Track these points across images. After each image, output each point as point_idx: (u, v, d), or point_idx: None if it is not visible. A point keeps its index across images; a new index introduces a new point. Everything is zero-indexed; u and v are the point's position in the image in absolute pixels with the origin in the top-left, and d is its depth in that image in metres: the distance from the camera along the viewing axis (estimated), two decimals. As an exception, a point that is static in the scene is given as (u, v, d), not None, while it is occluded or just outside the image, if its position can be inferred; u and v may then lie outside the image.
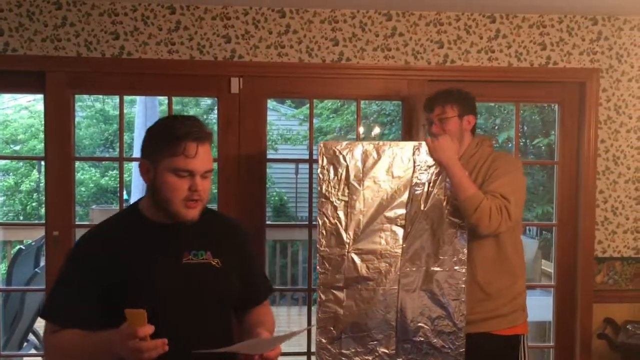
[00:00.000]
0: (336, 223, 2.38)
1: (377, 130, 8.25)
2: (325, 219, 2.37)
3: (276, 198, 9.50)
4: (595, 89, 2.96)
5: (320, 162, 2.40)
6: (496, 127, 7.45)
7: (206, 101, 9.81)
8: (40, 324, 3.76)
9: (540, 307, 3.69)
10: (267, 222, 3.08)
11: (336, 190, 2.39)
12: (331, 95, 3.25)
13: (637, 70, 2.98)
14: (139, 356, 1.44)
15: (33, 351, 4.08)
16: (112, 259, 1.64)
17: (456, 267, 2.32)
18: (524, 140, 7.16)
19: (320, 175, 2.39)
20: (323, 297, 2.36)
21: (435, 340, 2.33)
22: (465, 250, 2.32)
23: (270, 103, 3.03)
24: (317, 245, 2.38)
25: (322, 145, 2.43)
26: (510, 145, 7.32)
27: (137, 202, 1.77)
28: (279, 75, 2.88)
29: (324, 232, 2.38)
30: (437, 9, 2.87)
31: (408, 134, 2.93)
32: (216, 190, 2.95)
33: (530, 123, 7.44)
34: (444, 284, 2.32)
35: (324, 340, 2.36)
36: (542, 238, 6.53)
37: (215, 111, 10.07)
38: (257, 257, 1.99)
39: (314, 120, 3.00)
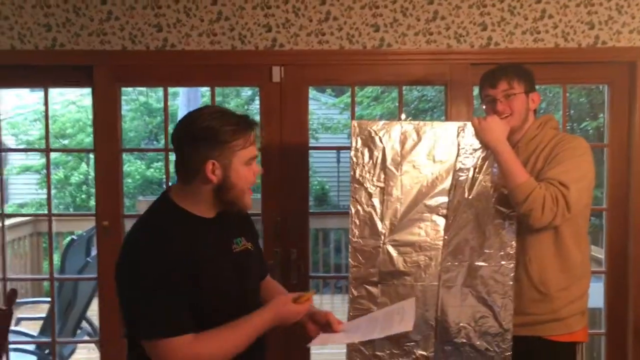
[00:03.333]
0: (370, 211, 2.16)
1: (403, 117, 8.23)
2: (359, 206, 2.16)
3: (318, 187, 9.53)
4: (647, 68, 2.85)
5: (353, 143, 2.16)
6: (542, 111, 7.29)
7: (247, 92, 9.90)
8: (92, 311, 3.87)
9: (591, 293, 3.60)
10: (310, 211, 3.09)
11: (371, 175, 2.16)
12: (372, 81, 3.23)
13: (692, 48, 2.86)
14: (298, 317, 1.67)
15: (86, 337, 4.22)
16: (181, 258, 1.57)
17: (503, 262, 2.09)
18: (571, 124, 6.98)
19: (354, 159, 2.16)
20: (355, 293, 2.15)
21: (478, 343, 2.10)
22: (514, 244, 2.09)
23: (311, 92, 3.02)
24: (350, 236, 2.18)
25: (355, 124, 2.19)
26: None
27: (169, 199, 1.68)
28: (320, 63, 2.87)
29: (356, 221, 2.16)
30: (480, -10, 2.82)
31: (451, 120, 2.89)
32: (259, 180, 2.98)
33: (577, 106, 7.24)
34: (489, 281, 2.09)
35: (356, 341, 2.10)
36: (591, 224, 6.36)
37: (256, 101, 10.17)
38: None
39: (356, 109, 2.97)
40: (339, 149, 7.24)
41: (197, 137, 1.61)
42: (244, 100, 9.86)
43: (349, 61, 2.87)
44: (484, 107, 2.26)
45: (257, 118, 2.85)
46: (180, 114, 7.40)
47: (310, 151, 2.98)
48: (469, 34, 2.85)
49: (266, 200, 2.93)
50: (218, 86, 3.21)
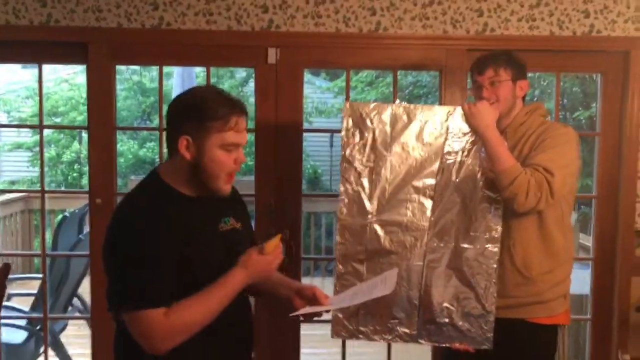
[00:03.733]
0: (359, 190, 2.20)
1: (397, 101, 8.23)
2: (348, 185, 2.20)
3: (310, 171, 9.54)
4: (640, 58, 2.87)
5: (344, 124, 2.21)
6: (535, 99, 7.30)
7: (241, 73, 9.85)
8: (83, 289, 3.89)
9: (577, 280, 3.65)
10: (304, 191, 3.10)
11: (361, 155, 2.20)
12: (368, 65, 3.23)
13: (685, 39, 2.88)
14: (271, 267, 1.65)
15: (77, 314, 4.24)
16: (167, 232, 1.59)
17: (488, 245, 2.11)
18: (563, 113, 7.00)
19: (345, 139, 2.20)
20: (342, 269, 2.19)
21: (461, 323, 2.13)
22: (500, 228, 2.11)
23: (305, 76, 3.02)
24: (338, 214, 2.23)
25: (347, 105, 2.23)
26: (548, 118, 7.18)
27: (157, 176, 1.70)
28: (316, 45, 2.87)
29: (345, 199, 2.20)
30: (477, -24, 2.82)
31: (446, 104, 2.90)
32: (252, 162, 2.99)
33: (570, 95, 7.27)
34: (473, 263, 2.12)
35: (340, 315, 2.18)
36: (581, 212, 6.42)
37: (250, 83, 10.11)
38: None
39: (350, 94, 2.98)
40: (332, 131, 7.30)
41: (179, 112, 1.64)
42: (238, 81, 9.82)
43: (345, 44, 2.87)
44: (469, 92, 2.31)
45: (252, 100, 2.85)
46: (174, 94, 7.33)
47: (303, 135, 2.98)
48: (465, 20, 2.86)
49: (260, 182, 2.95)
50: (213, 66, 3.20)
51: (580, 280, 3.53)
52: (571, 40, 2.87)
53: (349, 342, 3.08)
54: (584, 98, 7.19)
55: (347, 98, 3.04)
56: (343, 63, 2.96)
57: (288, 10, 2.83)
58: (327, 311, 1.78)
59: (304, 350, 3.08)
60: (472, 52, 2.81)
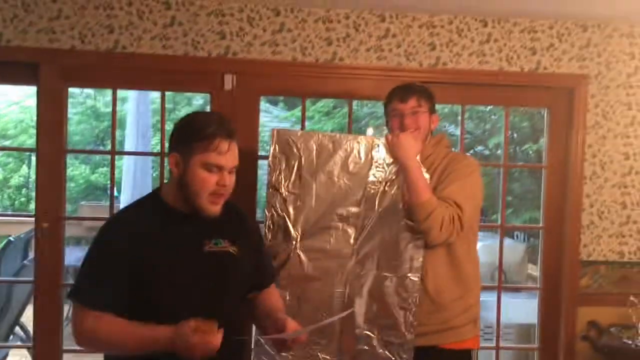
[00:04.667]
0: (284, 216, 2.21)
1: (370, 131, 8.31)
2: (274, 211, 2.22)
3: (264, 200, 9.52)
4: (584, 94, 3.00)
5: (271, 150, 2.24)
6: (486, 133, 7.53)
7: (198, 100, 9.81)
8: (26, 318, 3.75)
9: (525, 309, 3.74)
10: (259, 219, 3.08)
11: (287, 181, 2.23)
12: (324, 94, 3.27)
13: (625, 77, 3.03)
14: (193, 352, 1.57)
15: (19, 343, 4.07)
16: (137, 245, 1.70)
17: (409, 274, 2.14)
18: (513, 146, 7.22)
19: (271, 165, 2.24)
20: None
21: (381, 351, 2.15)
22: (421, 258, 2.15)
23: (263, 105, 3.04)
24: (265, 240, 2.20)
25: (275, 132, 2.26)
26: (499, 151, 7.39)
27: (157, 190, 1.86)
28: (273, 73, 2.89)
29: (271, 225, 2.22)
30: (430, 12, 2.90)
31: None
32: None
33: (520, 129, 7.52)
34: (395, 292, 2.14)
35: (261, 340, 2.14)
36: (530, 244, 6.59)
37: (207, 110, 9.99)
38: (263, 242, 2.06)
39: (306, 124, 3.01)
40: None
41: (173, 131, 1.78)
42: (194, 108, 9.77)
43: (301, 73, 2.90)
44: (387, 121, 2.33)
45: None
46: (129, 119, 7.26)
47: (259, 162, 2.98)
48: (418, 53, 2.93)
49: (213, 208, 2.92)
50: (169, 91, 3.18)
51: (529, 310, 3.61)
52: (519, 75, 2.97)
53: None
54: (532, 132, 7.44)
55: (303, 126, 3.06)
56: (299, 91, 2.99)
57: (245, 38, 2.85)
58: (285, 339, 1.79)
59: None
60: (425, 84, 2.87)
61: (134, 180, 6.91)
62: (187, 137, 1.72)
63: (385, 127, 2.39)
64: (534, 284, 3.89)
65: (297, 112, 9.56)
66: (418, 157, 2.17)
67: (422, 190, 2.08)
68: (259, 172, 2.99)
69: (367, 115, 8.92)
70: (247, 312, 1.95)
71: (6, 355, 3.76)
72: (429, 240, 2.11)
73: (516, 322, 3.99)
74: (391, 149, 2.18)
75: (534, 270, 4.38)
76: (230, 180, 1.74)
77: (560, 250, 3.06)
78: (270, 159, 2.25)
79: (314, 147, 2.24)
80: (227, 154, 1.71)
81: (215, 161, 1.69)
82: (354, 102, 3.09)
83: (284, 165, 2.24)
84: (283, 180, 2.24)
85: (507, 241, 3.44)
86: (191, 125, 1.76)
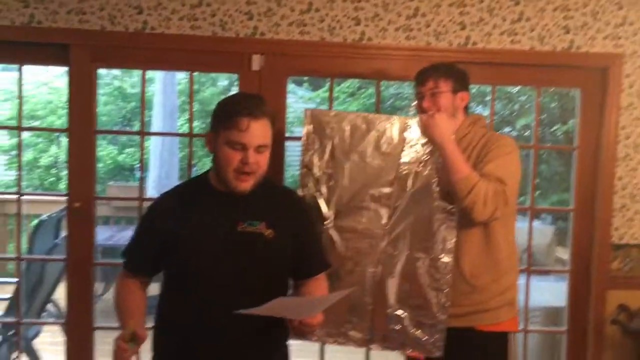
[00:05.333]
0: (317, 196, 2.24)
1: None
2: (306, 191, 2.25)
3: (292, 180, 9.53)
4: (618, 74, 2.93)
5: (305, 130, 2.26)
6: (514, 114, 7.40)
7: (223, 82, 9.84)
8: (58, 295, 3.83)
9: (554, 292, 3.70)
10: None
11: (320, 161, 2.25)
12: (351, 74, 3.24)
13: (662, 57, 2.95)
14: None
15: (52, 320, 4.17)
16: (175, 220, 1.82)
17: (441, 256, 2.15)
18: (541, 128, 7.11)
19: (305, 145, 2.26)
20: None
21: (412, 330, 2.16)
22: (454, 239, 2.14)
23: (288, 86, 3.03)
24: None
25: (308, 112, 2.29)
26: (528, 132, 7.28)
27: (207, 170, 1.94)
28: (300, 53, 2.88)
29: None
30: (461, -10, 2.85)
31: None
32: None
33: (549, 110, 7.38)
34: (427, 273, 2.15)
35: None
36: (558, 227, 6.51)
37: (232, 91, 10.07)
38: (317, 231, 2.08)
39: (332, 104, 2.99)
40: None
41: (214, 110, 1.87)
42: (219, 89, 9.80)
43: (329, 53, 2.88)
44: (415, 101, 2.33)
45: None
46: (156, 100, 7.31)
47: (286, 144, 2.97)
48: (447, 32, 2.89)
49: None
50: (197, 71, 3.19)
51: (557, 293, 3.58)
52: (551, 55, 2.92)
53: (327, 354, 3.06)
54: (561, 113, 7.31)
55: (330, 107, 3.05)
56: (327, 72, 2.97)
57: (273, 18, 2.84)
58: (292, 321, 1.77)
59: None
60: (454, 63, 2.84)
61: (160, 161, 6.97)
62: (216, 117, 1.82)
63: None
64: (562, 267, 3.84)
65: (322, 92, 9.52)
66: (453, 137, 2.15)
67: (461, 166, 2.06)
68: (285, 153, 2.98)
69: (392, 96, 8.85)
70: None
71: (39, 331, 3.86)
72: (473, 217, 2.05)
73: (544, 305, 3.95)
74: (425, 129, 2.16)
75: (562, 253, 4.33)
76: (256, 158, 1.76)
77: (591, 233, 3.02)
78: (303, 139, 2.26)
79: (347, 128, 2.24)
80: (248, 132, 1.74)
81: (237, 138, 1.74)
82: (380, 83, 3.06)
83: (317, 145, 2.25)
84: (316, 160, 2.25)
85: (535, 223, 3.40)
86: (220, 105, 1.86)
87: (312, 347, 2.96)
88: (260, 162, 1.78)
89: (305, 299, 1.78)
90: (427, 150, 2.19)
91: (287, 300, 1.73)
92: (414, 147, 2.21)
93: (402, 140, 2.22)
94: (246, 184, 1.77)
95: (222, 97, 10.47)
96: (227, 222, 1.81)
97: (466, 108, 2.32)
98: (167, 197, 1.95)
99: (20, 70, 2.97)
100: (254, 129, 1.74)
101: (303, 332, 1.78)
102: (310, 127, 2.26)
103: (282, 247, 1.85)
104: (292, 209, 1.94)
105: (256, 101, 1.81)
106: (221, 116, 1.80)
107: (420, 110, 2.23)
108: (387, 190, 2.21)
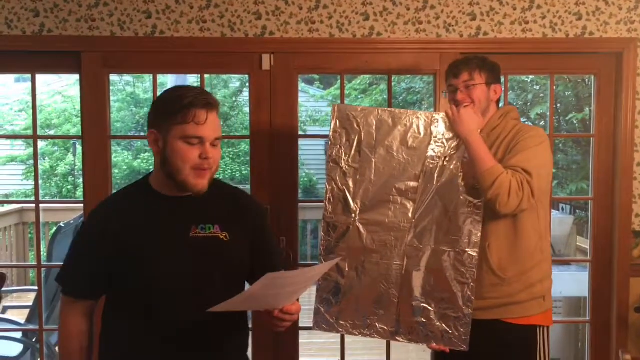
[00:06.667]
0: (344, 190, 2.26)
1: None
2: (334, 184, 2.27)
3: (306, 179, 9.54)
4: (633, 58, 2.88)
5: (332, 125, 2.28)
6: (528, 103, 7.34)
7: (235, 83, 9.87)
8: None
9: (575, 282, 3.67)
10: (300, 198, 3.09)
11: (347, 156, 2.26)
12: (362, 70, 3.22)
13: (677, 39, 2.90)
14: None
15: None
16: (118, 232, 1.67)
17: (467, 249, 2.15)
18: (557, 117, 7.04)
19: (332, 139, 2.27)
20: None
21: (438, 324, 2.17)
22: (479, 233, 2.15)
23: (299, 84, 3.03)
24: (323, 212, 2.28)
25: (335, 107, 2.30)
26: (542, 122, 7.21)
27: (147, 175, 1.79)
28: (310, 51, 2.87)
29: (331, 198, 2.27)
30: (470, -20, 2.83)
31: (440, 109, 2.91)
32: (247, 171, 2.97)
33: (564, 99, 7.31)
34: (452, 266, 2.16)
35: (322, 309, 2.25)
36: (577, 216, 6.44)
37: (244, 92, 10.09)
38: (271, 230, 1.96)
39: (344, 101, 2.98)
40: (328, 137, 7.38)
41: (151, 109, 1.72)
42: (231, 91, 9.83)
43: (339, 49, 2.87)
44: (445, 95, 2.34)
45: (246, 109, 2.84)
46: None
47: (299, 143, 2.97)
48: (458, 24, 2.87)
49: (255, 189, 2.93)
50: (207, 73, 3.20)
51: (579, 283, 3.54)
52: (564, 42, 2.88)
53: (348, 350, 3.06)
54: (576, 102, 7.23)
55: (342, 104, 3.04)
56: (337, 68, 2.96)
57: (282, 17, 2.84)
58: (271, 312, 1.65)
59: (302, 359, 3.06)
60: (465, 55, 2.80)
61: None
62: (164, 111, 1.65)
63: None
64: (583, 257, 3.80)
65: (334, 90, 9.52)
66: (479, 131, 2.15)
67: (485, 159, 2.06)
68: (299, 152, 2.98)
69: (404, 91, 8.82)
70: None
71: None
72: (498, 209, 2.04)
73: (566, 295, 3.92)
74: (452, 123, 2.17)
75: (583, 243, 4.28)
76: (213, 153, 1.65)
77: (611, 221, 2.98)
78: (331, 133, 2.29)
79: (374, 122, 2.26)
80: (207, 125, 1.63)
81: (194, 132, 1.61)
82: (393, 77, 3.04)
83: (344, 140, 2.28)
84: (343, 154, 2.27)
85: (554, 213, 3.37)
86: (167, 99, 1.68)
87: (334, 344, 2.96)
88: (216, 156, 1.67)
89: (297, 271, 1.61)
90: (454, 145, 2.20)
91: (278, 275, 1.51)
92: (441, 142, 2.22)
93: (429, 135, 2.23)
94: (204, 181, 1.65)
95: (234, 98, 10.49)
96: (180, 229, 1.69)
97: (498, 101, 2.31)
98: (106, 210, 1.74)
99: (33, 79, 2.99)
100: (210, 121, 1.64)
101: (283, 323, 1.66)
102: (337, 122, 2.28)
103: (238, 249, 1.76)
104: (244, 209, 1.82)
105: (205, 92, 1.69)
106: (171, 110, 1.63)
107: (454, 103, 2.22)
108: (413, 184, 2.23)
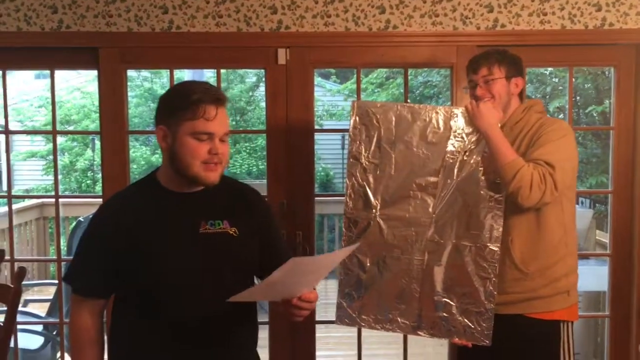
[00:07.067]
0: (365, 185, 2.27)
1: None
2: (354, 180, 2.28)
3: (322, 174, 9.54)
4: (654, 50, 2.84)
5: (352, 121, 2.29)
6: (547, 96, 7.26)
7: (251, 78, 9.89)
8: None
9: (594, 277, 3.63)
10: (316, 192, 3.10)
11: (367, 152, 2.27)
12: (378, 64, 3.21)
13: (699, 30, 2.85)
14: None
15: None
16: (129, 226, 1.66)
17: (489, 244, 2.15)
18: (576, 110, 6.96)
19: (352, 135, 2.29)
20: (346, 259, 2.25)
21: (460, 319, 2.17)
22: (500, 228, 2.14)
23: (315, 79, 3.03)
24: (345, 207, 2.29)
25: (355, 104, 2.31)
26: (561, 115, 7.13)
27: (155, 171, 1.78)
28: (326, 45, 2.87)
29: (352, 194, 2.28)
30: (487, -28, 2.80)
31: (456, 103, 2.89)
32: (263, 166, 2.98)
33: (583, 91, 7.22)
34: (474, 261, 2.16)
35: (344, 304, 2.28)
36: (596, 210, 6.37)
37: (261, 87, 10.12)
38: (278, 224, 1.96)
39: (361, 95, 2.97)
40: (344, 131, 7.35)
41: (158, 105, 1.71)
42: (248, 86, 9.85)
43: (355, 43, 2.86)
44: (465, 91, 2.33)
45: (262, 104, 2.84)
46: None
47: (315, 137, 2.97)
48: (475, 16, 2.84)
49: (271, 183, 2.94)
50: (223, 68, 3.21)
51: (598, 277, 3.50)
52: (583, 33, 2.84)
53: (364, 344, 3.07)
54: (596, 94, 7.14)
55: (358, 98, 3.04)
56: (353, 62, 2.95)
57: (297, 11, 2.83)
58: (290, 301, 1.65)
59: (319, 353, 3.06)
60: (482, 48, 2.78)
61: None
62: (173, 107, 1.65)
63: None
64: (602, 250, 3.76)
65: (350, 84, 9.49)
66: (499, 125, 2.14)
67: (506, 153, 2.05)
68: (315, 146, 2.98)
69: (421, 85, 8.77)
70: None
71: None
72: (520, 202, 2.03)
73: (585, 290, 3.88)
74: (472, 118, 2.16)
75: (602, 237, 4.23)
76: (222, 148, 1.65)
77: (631, 214, 2.94)
78: (350, 129, 2.30)
79: (393, 118, 2.26)
80: (216, 120, 1.63)
81: (204, 128, 1.61)
82: (409, 71, 3.02)
83: (364, 136, 2.28)
84: (363, 150, 2.28)
85: (573, 207, 3.33)
86: (176, 95, 1.68)
87: (351, 338, 2.97)
88: (226, 151, 1.68)
89: (320, 256, 1.61)
90: (473, 139, 2.19)
91: (301, 261, 1.50)
92: (460, 136, 2.21)
93: (448, 130, 2.22)
94: (215, 174, 1.65)
95: (251, 93, 10.51)
96: (189, 225, 1.69)
97: (522, 93, 2.29)
98: (114, 207, 1.73)
99: (52, 75, 3.02)
100: (220, 116, 1.64)
101: (302, 311, 1.64)
102: (357, 118, 2.29)
103: (247, 244, 1.76)
104: (252, 205, 1.82)
105: (214, 88, 1.68)
106: (180, 106, 1.63)
107: (474, 98, 2.22)
108: (433, 179, 2.23)
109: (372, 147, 2.27)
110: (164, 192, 1.71)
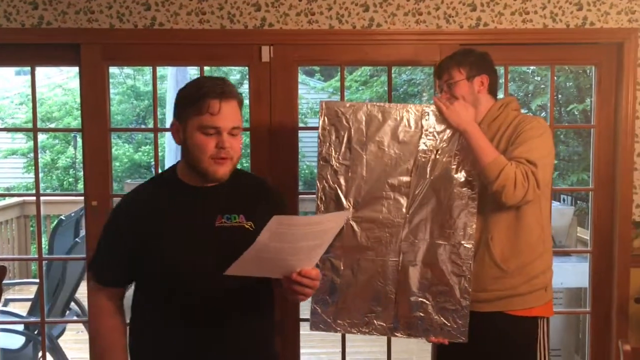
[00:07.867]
0: (336, 188, 2.23)
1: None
2: (325, 183, 2.23)
3: (307, 171, 9.54)
4: (634, 49, 2.87)
5: (320, 122, 2.23)
6: (529, 94, 7.32)
7: (235, 75, 9.85)
8: (80, 293, 3.88)
9: (576, 273, 3.67)
10: (300, 190, 3.09)
11: (337, 153, 2.23)
12: (362, 61, 3.22)
13: (678, 29, 2.89)
14: None
15: (75, 318, 4.22)
16: (143, 220, 1.71)
17: (463, 242, 2.15)
18: (557, 108, 7.03)
19: (321, 137, 2.23)
20: (319, 264, 2.15)
21: (436, 317, 2.17)
22: (474, 225, 2.14)
23: (300, 76, 3.02)
24: (316, 211, 2.24)
25: (323, 104, 2.26)
26: (543, 113, 7.20)
27: (175, 165, 1.82)
28: (310, 42, 2.86)
29: (323, 197, 2.24)
30: (470, -30, 2.82)
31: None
32: (247, 164, 2.97)
33: (565, 90, 7.29)
34: (448, 259, 2.16)
35: (318, 309, 2.23)
36: (578, 207, 6.44)
37: (244, 85, 10.07)
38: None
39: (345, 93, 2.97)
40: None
41: (175, 99, 1.75)
42: (232, 83, 9.82)
43: (339, 41, 2.86)
44: (436, 94, 2.33)
45: (246, 101, 2.83)
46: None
47: (299, 135, 2.97)
48: (458, 15, 2.85)
49: (255, 181, 2.93)
50: (207, 65, 3.19)
51: (579, 274, 3.54)
52: (565, 32, 2.87)
53: (348, 342, 3.07)
54: (577, 92, 7.22)
55: (342, 96, 3.04)
56: (337, 60, 2.95)
57: (281, 8, 2.83)
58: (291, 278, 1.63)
59: (303, 351, 3.07)
60: (465, 46, 2.80)
61: (176, 158, 7.01)
62: (183, 103, 1.70)
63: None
64: (583, 247, 3.80)
65: (334, 82, 9.50)
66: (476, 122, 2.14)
67: (488, 151, 2.05)
68: (299, 144, 2.98)
69: (405, 83, 8.80)
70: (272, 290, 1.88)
71: (64, 329, 3.91)
72: (504, 200, 2.03)
73: (566, 286, 3.92)
74: (446, 117, 2.14)
75: (583, 234, 4.28)
76: (231, 142, 1.67)
77: (612, 212, 2.98)
78: (319, 131, 2.25)
79: (363, 118, 2.22)
80: (221, 115, 1.65)
81: (209, 123, 1.64)
82: (393, 69, 3.03)
83: (333, 137, 2.24)
84: (333, 151, 2.24)
85: (555, 204, 3.37)
86: (187, 90, 1.73)
87: (335, 336, 2.97)
88: (235, 146, 1.70)
89: (306, 217, 1.61)
90: (445, 137, 2.18)
91: (285, 219, 1.48)
92: (432, 135, 2.19)
93: (420, 128, 2.20)
94: (225, 168, 1.68)
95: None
96: (205, 219, 1.72)
97: (494, 91, 2.29)
98: (135, 199, 1.79)
99: (32, 72, 2.99)
100: (226, 110, 1.66)
101: (303, 289, 1.63)
102: (325, 119, 2.23)
103: None
104: (267, 198, 1.86)
105: (222, 82, 1.71)
106: (189, 102, 1.68)
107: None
108: (406, 179, 2.20)
109: (343, 149, 2.23)
110: (181, 186, 1.75)
